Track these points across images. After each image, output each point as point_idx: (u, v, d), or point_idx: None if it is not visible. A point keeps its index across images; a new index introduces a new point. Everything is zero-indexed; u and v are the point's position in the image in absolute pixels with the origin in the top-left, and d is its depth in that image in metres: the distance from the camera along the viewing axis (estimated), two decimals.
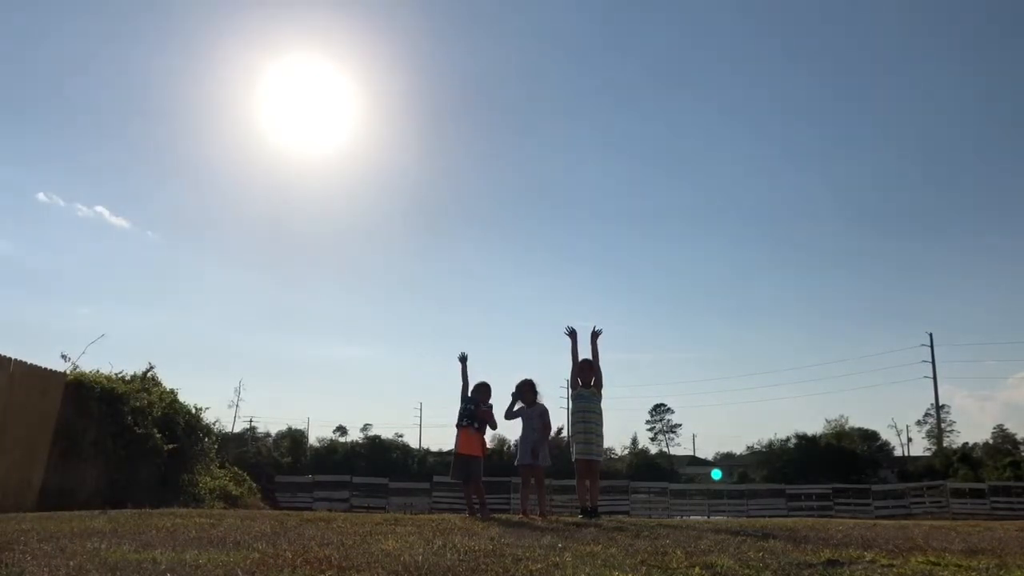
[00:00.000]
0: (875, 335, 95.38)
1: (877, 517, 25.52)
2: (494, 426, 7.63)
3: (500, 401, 7.78)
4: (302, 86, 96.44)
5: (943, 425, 59.35)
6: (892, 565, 3.52)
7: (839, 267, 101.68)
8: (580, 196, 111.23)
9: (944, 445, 54.17)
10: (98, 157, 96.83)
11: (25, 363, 9.83)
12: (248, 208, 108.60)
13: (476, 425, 7.57)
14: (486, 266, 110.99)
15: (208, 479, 14.56)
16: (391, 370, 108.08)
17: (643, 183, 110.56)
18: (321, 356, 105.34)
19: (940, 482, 37.54)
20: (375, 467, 45.05)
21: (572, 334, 7.52)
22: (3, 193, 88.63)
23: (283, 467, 44.22)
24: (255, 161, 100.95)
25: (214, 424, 16.69)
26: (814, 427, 61.21)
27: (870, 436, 54.87)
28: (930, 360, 51.29)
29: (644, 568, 3.36)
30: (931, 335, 51.60)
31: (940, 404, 55.50)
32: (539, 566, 3.33)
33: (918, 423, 72.55)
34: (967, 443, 55.51)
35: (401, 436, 62.67)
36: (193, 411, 13.62)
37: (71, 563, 3.21)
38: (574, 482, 7.73)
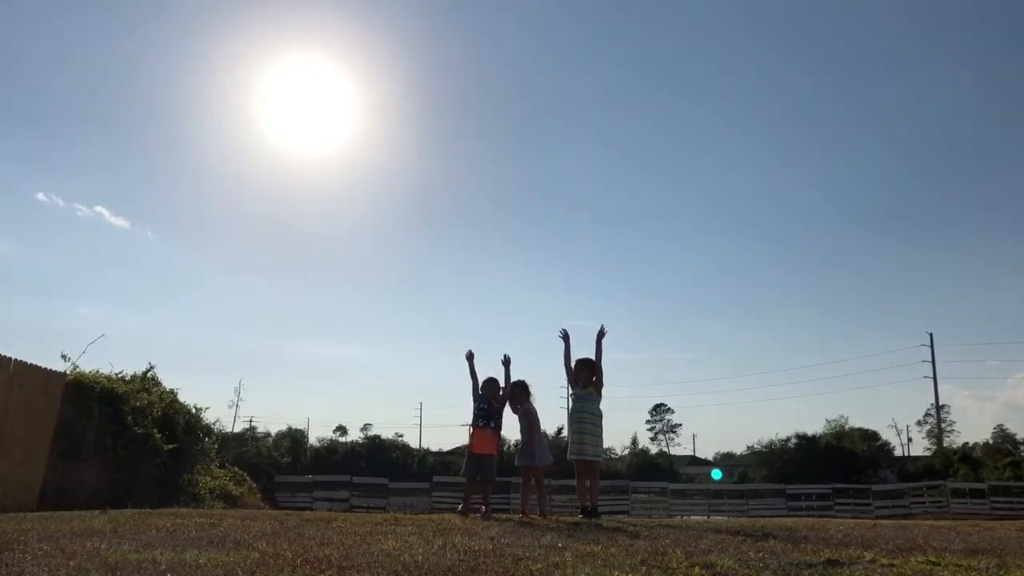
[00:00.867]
0: (875, 335, 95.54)
1: (877, 517, 25.50)
2: (513, 409, 7.56)
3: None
4: (302, 86, 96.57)
5: (943, 425, 59.44)
6: (892, 565, 3.52)
7: (839, 267, 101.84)
8: (580, 196, 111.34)
9: (944, 445, 54.19)
10: (98, 157, 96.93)
11: (25, 363, 9.83)
12: (248, 208, 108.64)
13: (492, 425, 7.54)
14: (486, 266, 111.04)
15: (208, 479, 14.56)
16: (391, 370, 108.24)
17: (643, 183, 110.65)
18: (321, 356, 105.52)
19: (940, 482, 37.54)
20: (375, 467, 45.03)
21: (565, 337, 7.52)
22: (3, 193, 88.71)
23: (283, 467, 44.21)
24: (255, 161, 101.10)
25: (214, 424, 16.74)
26: (814, 427, 61.22)
27: (870, 436, 54.85)
28: (930, 360, 51.42)
29: (644, 568, 3.35)
30: (931, 335, 51.74)
31: (940, 404, 55.64)
32: (539, 566, 3.33)
33: (918, 423, 72.74)
34: (967, 443, 55.66)
35: (401, 436, 62.75)
36: (193, 411, 13.60)
37: (71, 563, 3.21)
38: (574, 482, 7.72)
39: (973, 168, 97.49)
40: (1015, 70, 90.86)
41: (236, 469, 17.97)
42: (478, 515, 6.93)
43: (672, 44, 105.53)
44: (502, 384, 7.61)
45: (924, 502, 34.48)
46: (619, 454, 65.48)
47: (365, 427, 71.39)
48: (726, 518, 25.61)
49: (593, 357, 7.43)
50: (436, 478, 34.90)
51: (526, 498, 7.70)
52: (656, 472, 48.56)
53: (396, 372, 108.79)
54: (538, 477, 7.60)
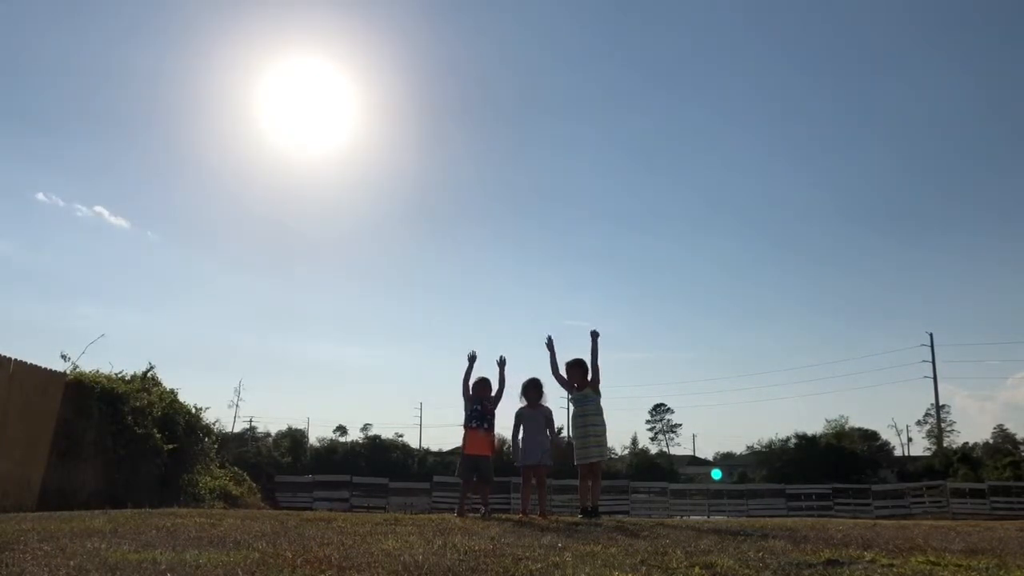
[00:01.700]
0: (875, 335, 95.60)
1: (877, 517, 25.49)
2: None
3: (508, 403, 7.73)
4: (302, 86, 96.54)
5: (943, 425, 59.46)
6: (892, 565, 3.51)
7: (839, 267, 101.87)
8: (580, 196, 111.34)
9: (944, 445, 54.22)
10: (98, 157, 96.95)
11: (25, 363, 9.83)
12: (248, 208, 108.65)
13: (486, 426, 7.52)
14: (486, 266, 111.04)
15: (208, 479, 14.56)
16: (391, 370, 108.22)
17: (643, 183, 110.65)
18: (321, 356, 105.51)
19: (940, 482, 37.52)
20: (375, 467, 44.98)
21: (550, 345, 7.49)
22: (3, 193, 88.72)
23: (283, 467, 44.14)
24: (255, 161, 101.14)
25: (214, 424, 16.72)
26: (814, 427, 61.27)
27: (870, 436, 54.85)
28: (930, 360, 51.40)
29: (644, 568, 3.35)
30: (931, 335, 51.73)
31: (940, 404, 55.63)
32: (539, 566, 3.32)
33: (918, 423, 72.84)
34: (967, 443, 55.64)
35: (401, 436, 62.80)
36: (193, 411, 13.61)
37: (71, 563, 3.21)
38: (574, 482, 7.72)
39: (973, 168, 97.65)
40: (1015, 70, 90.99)
41: (236, 469, 17.97)
42: (477, 516, 6.92)
43: (672, 44, 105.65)
44: (495, 385, 7.60)
45: (924, 502, 34.48)
46: (619, 454, 65.53)
47: (365, 427, 71.51)
48: (726, 518, 25.62)
49: (584, 358, 7.40)
50: (436, 478, 34.89)
51: (527, 498, 7.68)
52: (656, 472, 48.53)
53: (396, 372, 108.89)
54: (540, 478, 7.58)
